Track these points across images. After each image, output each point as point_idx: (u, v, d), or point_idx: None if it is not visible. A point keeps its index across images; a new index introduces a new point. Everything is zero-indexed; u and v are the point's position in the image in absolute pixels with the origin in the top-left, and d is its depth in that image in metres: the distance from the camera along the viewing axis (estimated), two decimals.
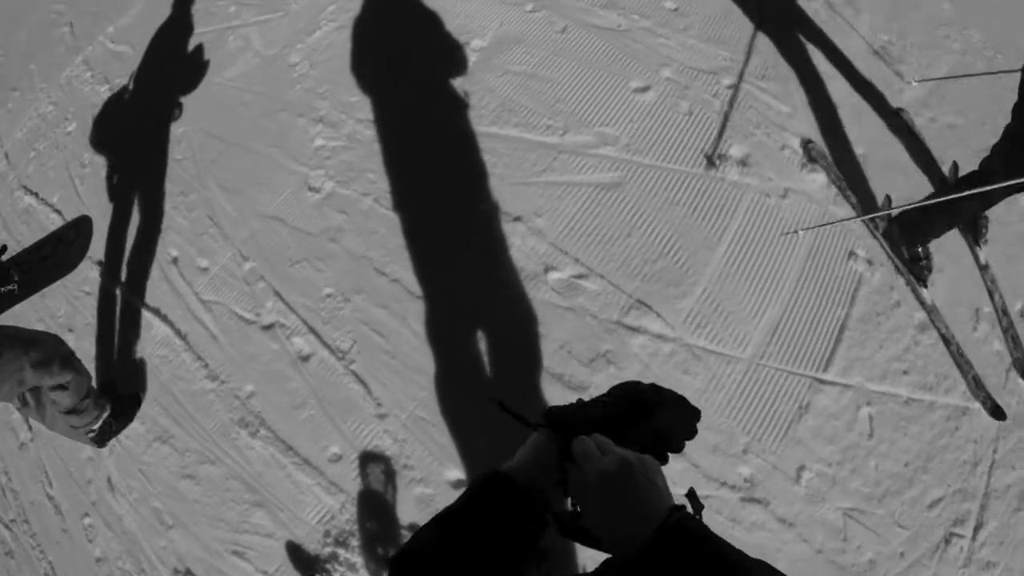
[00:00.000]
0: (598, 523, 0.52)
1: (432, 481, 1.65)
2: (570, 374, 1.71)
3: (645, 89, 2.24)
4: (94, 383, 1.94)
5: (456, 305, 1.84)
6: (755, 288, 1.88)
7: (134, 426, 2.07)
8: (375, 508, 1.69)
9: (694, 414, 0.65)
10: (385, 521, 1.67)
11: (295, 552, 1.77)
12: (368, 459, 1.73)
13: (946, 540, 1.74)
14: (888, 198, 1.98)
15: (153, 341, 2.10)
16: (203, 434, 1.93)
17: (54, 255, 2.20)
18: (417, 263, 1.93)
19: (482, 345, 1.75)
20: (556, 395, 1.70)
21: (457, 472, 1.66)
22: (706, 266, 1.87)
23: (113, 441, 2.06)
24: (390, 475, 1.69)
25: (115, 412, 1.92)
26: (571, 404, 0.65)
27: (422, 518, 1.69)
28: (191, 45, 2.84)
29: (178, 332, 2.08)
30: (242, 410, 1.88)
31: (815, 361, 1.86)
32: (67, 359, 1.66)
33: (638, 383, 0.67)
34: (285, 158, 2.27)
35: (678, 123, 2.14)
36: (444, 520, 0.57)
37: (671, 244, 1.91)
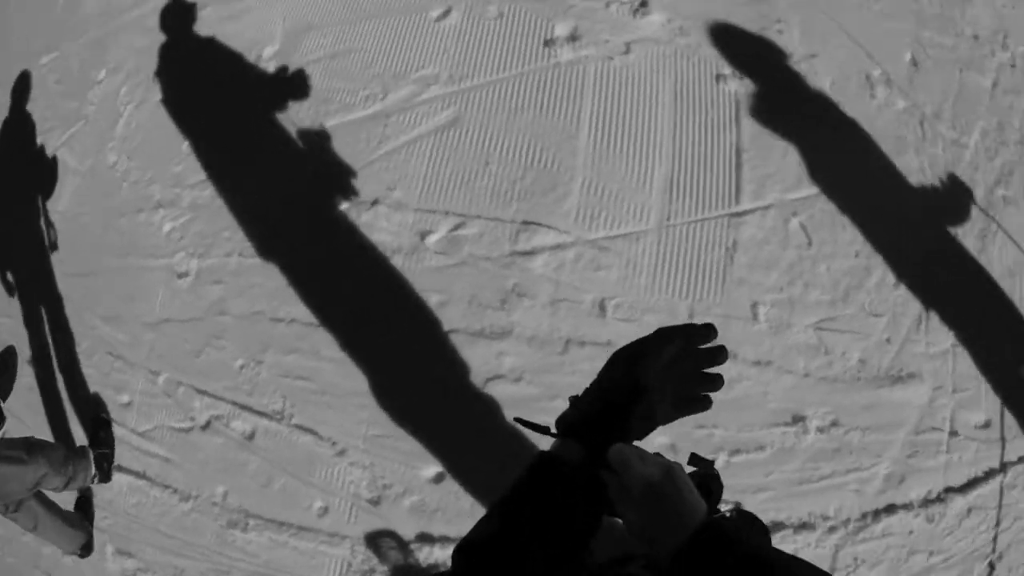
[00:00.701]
0: (641, 530, 0.53)
1: (414, 488, 1.62)
2: (489, 324, 1.64)
3: (446, 13, 2.07)
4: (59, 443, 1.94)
5: (354, 314, 1.76)
6: (633, 155, 1.78)
7: None
8: (380, 537, 1.67)
9: (689, 333, 0.62)
10: (394, 545, 1.66)
11: None
12: (351, 498, 1.70)
13: (925, 308, 1.71)
14: None
15: (120, 494, 2.05)
16: (205, 552, 1.90)
17: None
18: (303, 293, 1.83)
19: (396, 337, 1.68)
20: (485, 352, 1.64)
21: (433, 467, 1.63)
22: (575, 157, 1.77)
23: None
24: (377, 501, 1.66)
25: (94, 444, 1.96)
26: (573, 405, 0.63)
27: (424, 526, 1.68)
28: (16, 193, 2.65)
29: (137, 474, 2.02)
30: (224, 513, 1.84)
31: (724, 197, 1.78)
32: (32, 449, 1.69)
33: (621, 353, 0.63)
34: (143, 259, 2.14)
35: (492, 30, 1.99)
36: (505, 505, 0.58)
37: (532, 153, 1.79)
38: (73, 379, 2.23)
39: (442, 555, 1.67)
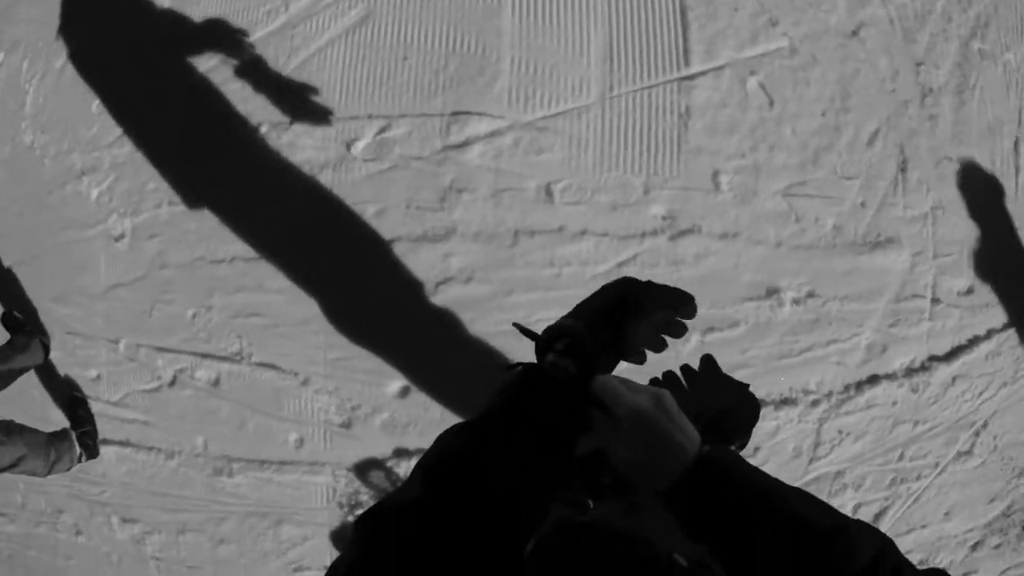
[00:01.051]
0: (633, 465, 0.49)
1: (382, 405, 1.60)
2: (430, 227, 1.56)
3: None
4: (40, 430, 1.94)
5: (291, 239, 1.67)
6: (565, 25, 1.63)
7: (158, 539, 2.09)
8: (358, 458, 1.67)
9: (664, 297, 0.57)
10: (373, 463, 1.66)
11: (334, 537, 1.81)
12: (323, 425, 1.68)
13: (902, 169, 1.59)
14: None
15: (111, 465, 2.06)
16: (200, 503, 1.92)
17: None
18: (237, 229, 1.74)
19: (337, 256, 1.60)
20: (430, 256, 1.57)
21: (396, 382, 1.60)
22: (500, 36, 1.61)
23: (151, 560, 2.10)
24: (348, 424, 1.64)
25: (75, 424, 1.97)
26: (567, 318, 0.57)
27: (398, 441, 1.66)
28: None
29: (121, 443, 2.01)
30: (208, 461, 1.84)
31: (671, 61, 1.63)
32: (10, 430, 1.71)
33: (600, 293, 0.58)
34: (79, 231, 2.04)
35: None
36: (486, 419, 0.51)
37: (452, 39, 1.64)
38: (40, 367, 2.20)
39: None
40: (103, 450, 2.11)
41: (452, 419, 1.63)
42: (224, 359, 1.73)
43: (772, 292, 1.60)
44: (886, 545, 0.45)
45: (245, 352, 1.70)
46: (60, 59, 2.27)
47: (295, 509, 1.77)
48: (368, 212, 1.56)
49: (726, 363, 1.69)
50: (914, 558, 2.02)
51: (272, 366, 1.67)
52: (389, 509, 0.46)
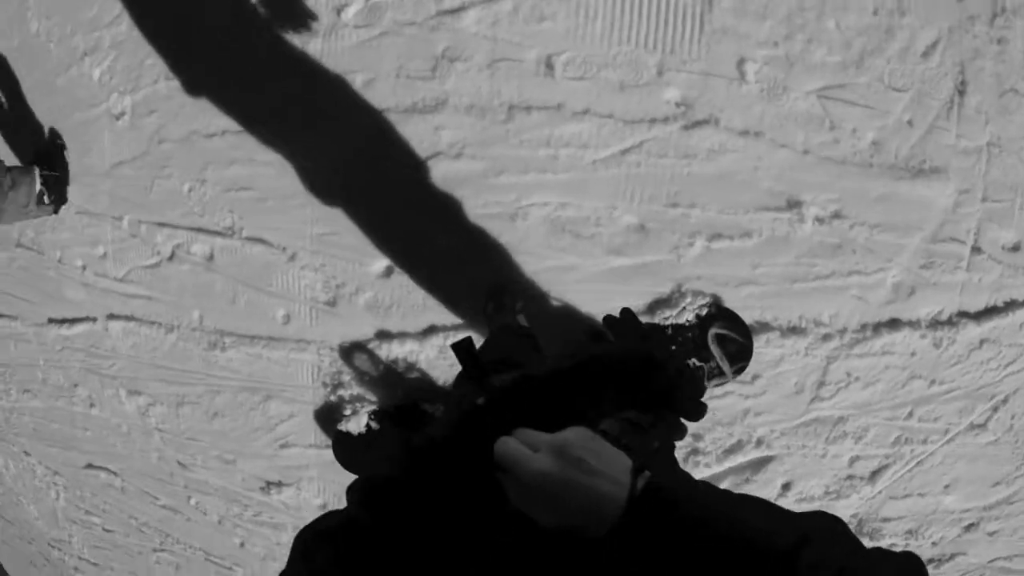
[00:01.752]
0: (554, 524, 0.44)
1: (366, 285, 1.60)
2: (420, 97, 1.49)
3: None
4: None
5: (280, 110, 1.63)
6: None
7: (160, 411, 2.22)
8: (342, 339, 1.70)
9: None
10: (356, 346, 1.69)
11: (318, 415, 1.87)
12: (309, 302, 1.70)
13: (959, 91, 1.35)
14: None
15: (119, 339, 2.16)
16: (197, 376, 2.01)
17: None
18: (228, 101, 1.71)
19: (325, 127, 1.56)
20: (420, 128, 1.51)
21: (381, 261, 1.59)
22: None
23: (155, 432, 2.25)
24: (333, 302, 1.66)
25: (45, 166, 1.98)
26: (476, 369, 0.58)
27: (381, 323, 1.66)
28: None
29: (127, 318, 2.11)
30: (204, 335, 1.91)
31: None
32: None
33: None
34: (85, 112, 2.06)
35: None
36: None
37: None
38: (53, 255, 2.28)
39: (400, 351, 1.69)
40: (111, 325, 2.22)
41: (434, 305, 1.63)
42: (217, 233, 1.76)
43: (793, 205, 1.45)
44: (851, 554, 0.40)
45: (236, 226, 1.72)
46: None
47: (283, 386, 1.84)
48: (357, 82, 1.51)
49: (733, 277, 1.58)
50: (904, 526, 1.85)
51: (261, 240, 1.68)
52: (325, 530, 0.48)
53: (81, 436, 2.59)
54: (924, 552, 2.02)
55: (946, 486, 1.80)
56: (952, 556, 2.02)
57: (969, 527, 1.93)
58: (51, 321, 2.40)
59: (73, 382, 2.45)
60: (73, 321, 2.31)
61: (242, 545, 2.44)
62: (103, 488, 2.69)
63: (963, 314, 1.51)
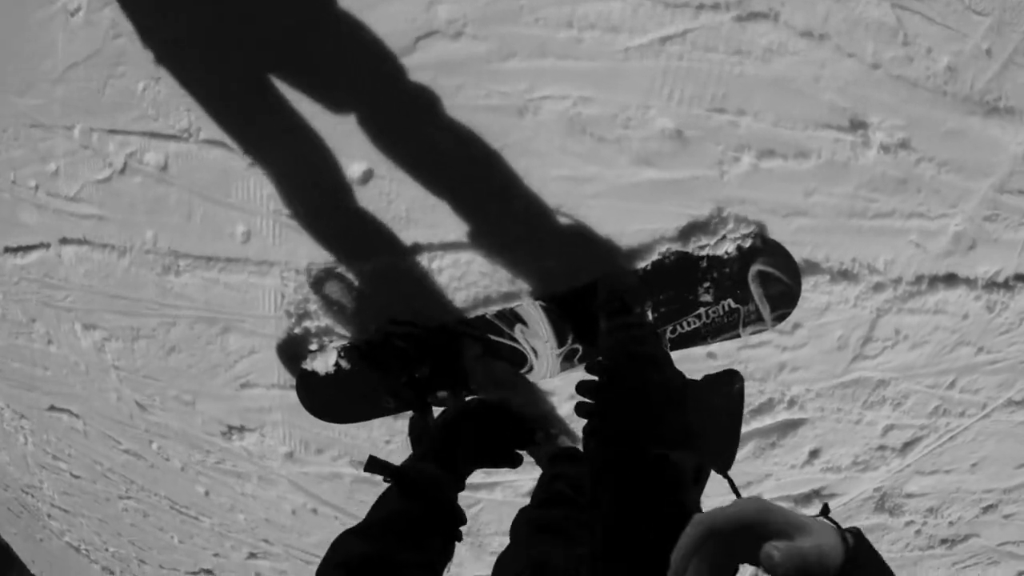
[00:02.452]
0: None
1: (331, 186, 1.41)
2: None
3: None
4: None
5: None
6: None
7: (116, 346, 2.04)
8: (310, 258, 1.51)
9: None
10: (325, 271, 1.50)
11: (281, 351, 1.69)
12: (272, 216, 1.50)
13: None
14: None
15: (72, 266, 1.98)
16: (151, 306, 1.83)
17: None
18: None
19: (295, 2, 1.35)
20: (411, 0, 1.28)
21: (357, 163, 1.37)
22: None
23: (112, 370, 2.08)
24: (300, 214, 1.48)
25: None
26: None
27: (356, 240, 1.49)
28: None
29: (79, 241, 1.92)
30: (157, 258, 1.72)
31: None
32: None
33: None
34: (39, 9, 1.84)
35: None
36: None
37: None
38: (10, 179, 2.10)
39: (377, 274, 1.51)
40: (64, 250, 2.03)
41: (418, 218, 1.43)
42: (172, 137, 1.55)
43: (858, 126, 1.26)
44: None
45: (194, 127, 1.51)
46: None
47: (242, 316, 1.65)
48: None
49: (783, 204, 1.30)
50: (926, 503, 1.70)
51: (220, 143, 1.48)
52: None
53: (41, 376, 2.42)
54: (940, 532, 1.88)
55: (973, 464, 1.64)
56: (966, 537, 1.87)
57: (987, 508, 1.78)
58: (7, 250, 2.21)
59: (31, 317, 2.28)
60: (27, 249, 2.12)
61: (207, 494, 2.28)
62: (67, 432, 2.54)
63: (1020, 277, 1.35)
